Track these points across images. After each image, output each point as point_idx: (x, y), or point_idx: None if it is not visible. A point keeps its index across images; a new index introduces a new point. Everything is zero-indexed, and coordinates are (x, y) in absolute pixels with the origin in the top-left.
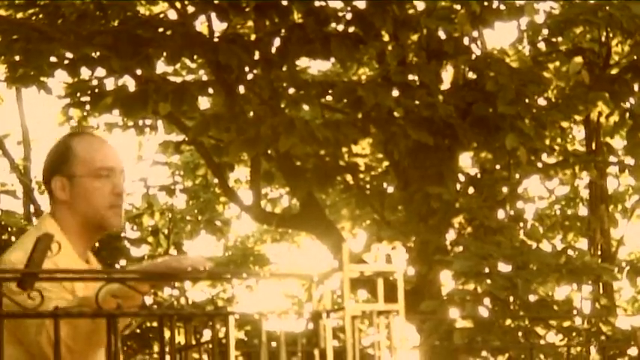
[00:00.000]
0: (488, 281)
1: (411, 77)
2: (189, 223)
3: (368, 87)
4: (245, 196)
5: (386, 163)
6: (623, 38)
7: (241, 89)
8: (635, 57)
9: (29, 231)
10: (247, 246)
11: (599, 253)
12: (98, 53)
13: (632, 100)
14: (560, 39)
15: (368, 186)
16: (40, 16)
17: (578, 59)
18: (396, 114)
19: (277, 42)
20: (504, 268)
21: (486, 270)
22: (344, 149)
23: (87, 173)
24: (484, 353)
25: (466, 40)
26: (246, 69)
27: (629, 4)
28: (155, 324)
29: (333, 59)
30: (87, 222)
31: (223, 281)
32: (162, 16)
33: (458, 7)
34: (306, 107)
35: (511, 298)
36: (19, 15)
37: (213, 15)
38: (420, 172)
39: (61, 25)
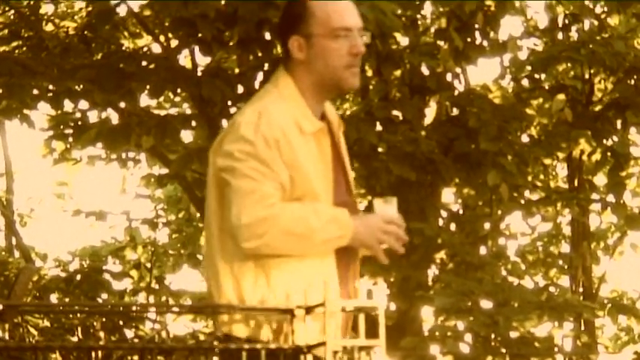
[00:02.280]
0: (470, 318)
1: (393, 112)
2: (171, 257)
3: (351, 122)
4: None
5: (368, 198)
6: (606, 75)
7: (224, 123)
8: (618, 94)
9: (265, 89)
10: None
11: (581, 290)
12: (81, 86)
13: (614, 138)
14: (543, 76)
15: None
16: (24, 49)
17: (561, 96)
18: (379, 149)
19: (260, 76)
20: (486, 304)
21: (468, 306)
22: None
23: (325, 33)
24: None
25: (449, 76)
26: (229, 103)
27: (612, 41)
28: (136, 358)
29: None
30: (323, 82)
31: (205, 315)
32: (145, 49)
33: (441, 43)
34: None
35: (492, 335)
36: (3, 48)
37: (196, 49)
38: (401, 207)
39: (44, 59)
